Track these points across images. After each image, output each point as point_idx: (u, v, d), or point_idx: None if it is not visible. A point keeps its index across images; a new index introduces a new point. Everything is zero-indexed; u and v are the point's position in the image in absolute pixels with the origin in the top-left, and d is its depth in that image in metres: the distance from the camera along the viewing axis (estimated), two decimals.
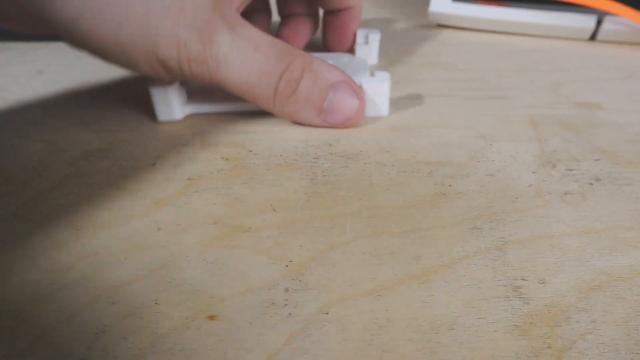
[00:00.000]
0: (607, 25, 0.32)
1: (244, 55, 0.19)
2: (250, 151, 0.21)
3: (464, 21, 0.35)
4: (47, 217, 0.18)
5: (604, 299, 0.14)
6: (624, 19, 0.31)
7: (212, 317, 0.14)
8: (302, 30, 0.29)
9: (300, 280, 0.15)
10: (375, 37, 0.28)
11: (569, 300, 0.14)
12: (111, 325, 0.13)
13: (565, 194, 0.18)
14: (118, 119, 0.25)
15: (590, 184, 0.19)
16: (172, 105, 0.23)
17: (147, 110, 0.25)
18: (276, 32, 0.29)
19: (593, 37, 0.33)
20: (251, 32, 0.19)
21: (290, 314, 0.14)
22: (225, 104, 0.23)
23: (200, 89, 0.24)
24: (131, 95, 0.27)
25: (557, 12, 0.33)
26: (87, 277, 0.15)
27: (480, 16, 0.34)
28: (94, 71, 0.31)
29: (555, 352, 0.12)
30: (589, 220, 0.17)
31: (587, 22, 0.32)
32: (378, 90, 0.22)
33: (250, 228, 0.17)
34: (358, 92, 0.21)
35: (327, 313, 0.14)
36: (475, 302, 0.14)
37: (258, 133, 0.22)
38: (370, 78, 0.22)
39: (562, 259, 0.15)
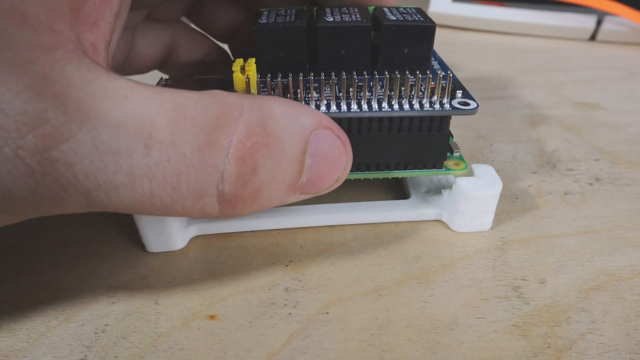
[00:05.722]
0: (607, 25, 0.32)
1: (129, 160, 0.10)
2: None
3: (464, 21, 0.35)
4: (47, 217, 0.18)
5: (604, 299, 0.14)
6: (624, 19, 0.31)
7: (212, 317, 0.14)
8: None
9: (300, 280, 0.15)
10: None
11: (569, 300, 0.14)
12: (111, 324, 0.13)
13: (566, 194, 0.18)
14: None
15: (590, 184, 0.19)
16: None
17: None
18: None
19: (593, 37, 0.33)
20: (134, 108, 0.10)
21: (290, 313, 0.14)
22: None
23: None
24: None
25: (557, 12, 0.33)
26: (87, 277, 0.15)
27: (480, 16, 0.34)
28: None
29: (555, 352, 0.12)
30: (589, 220, 0.17)
31: (587, 22, 0.32)
32: (485, 201, 0.15)
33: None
34: (342, 135, 0.13)
35: (327, 313, 0.14)
36: (476, 302, 0.14)
37: None
38: (472, 179, 0.15)
39: (562, 259, 0.15)
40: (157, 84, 0.15)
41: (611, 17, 0.32)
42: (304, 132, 0.12)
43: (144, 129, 0.10)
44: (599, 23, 0.32)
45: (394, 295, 0.14)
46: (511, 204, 0.17)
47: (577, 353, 0.12)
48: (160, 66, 0.20)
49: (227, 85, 0.15)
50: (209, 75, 0.17)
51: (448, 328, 0.13)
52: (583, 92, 0.26)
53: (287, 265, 0.15)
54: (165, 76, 0.17)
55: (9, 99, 0.09)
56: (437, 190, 0.17)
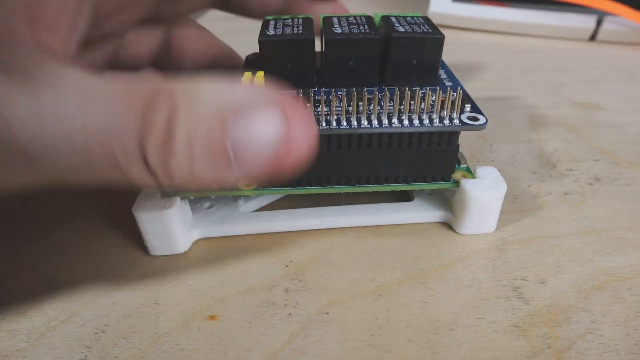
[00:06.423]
0: (607, 25, 0.32)
1: (65, 123, 0.10)
2: None
3: (464, 21, 0.35)
4: (47, 217, 0.18)
5: (604, 299, 0.14)
6: (624, 19, 0.31)
7: (212, 317, 0.14)
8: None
9: (300, 281, 0.15)
10: None
11: (568, 300, 0.14)
12: (111, 325, 0.13)
13: (565, 194, 0.18)
14: None
15: (590, 184, 0.19)
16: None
17: None
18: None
19: (593, 37, 0.33)
20: (73, 78, 0.10)
21: (290, 314, 0.14)
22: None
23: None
24: None
25: (557, 12, 0.33)
26: (87, 277, 0.15)
27: (480, 16, 0.34)
28: None
29: (554, 353, 0.12)
30: (588, 221, 0.17)
31: (587, 22, 0.32)
32: (490, 203, 0.15)
33: None
34: (287, 105, 0.11)
35: (327, 313, 0.14)
36: (475, 302, 0.14)
37: None
38: (476, 181, 0.15)
39: (562, 259, 0.15)
40: None
41: (611, 17, 0.32)
42: (221, 102, 0.11)
43: (80, 91, 0.10)
44: (599, 23, 0.32)
45: (394, 296, 0.14)
46: (511, 204, 0.17)
47: (576, 353, 0.12)
48: (157, 62, 0.19)
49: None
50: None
51: (448, 328, 0.13)
52: (583, 92, 0.26)
53: (287, 266, 0.15)
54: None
55: None
56: (440, 192, 0.17)
